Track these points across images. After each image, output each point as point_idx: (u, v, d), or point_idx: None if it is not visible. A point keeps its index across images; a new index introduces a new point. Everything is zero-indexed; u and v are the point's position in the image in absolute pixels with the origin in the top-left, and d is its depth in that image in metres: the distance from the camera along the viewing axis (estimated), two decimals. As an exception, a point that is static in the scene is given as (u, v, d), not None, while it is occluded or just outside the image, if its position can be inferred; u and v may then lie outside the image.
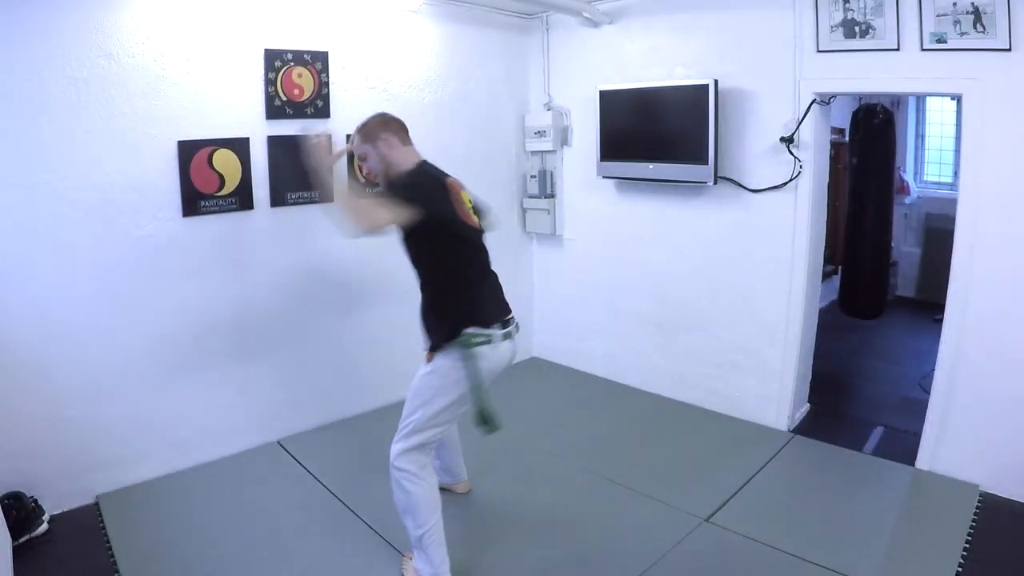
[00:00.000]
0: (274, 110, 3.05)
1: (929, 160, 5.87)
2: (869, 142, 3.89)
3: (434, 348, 2.04)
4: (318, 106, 3.20)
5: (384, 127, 2.15)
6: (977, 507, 2.56)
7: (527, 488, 2.80)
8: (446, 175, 2.10)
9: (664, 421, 3.50)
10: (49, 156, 2.49)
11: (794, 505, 2.67)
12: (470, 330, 1.96)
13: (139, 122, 2.69)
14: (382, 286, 3.56)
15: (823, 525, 2.49)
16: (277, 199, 3.13)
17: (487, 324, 1.99)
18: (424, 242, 2.01)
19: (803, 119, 3.04)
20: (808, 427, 3.35)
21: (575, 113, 4.00)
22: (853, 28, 2.81)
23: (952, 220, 2.73)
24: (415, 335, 3.73)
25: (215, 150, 2.89)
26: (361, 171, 2.44)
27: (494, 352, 2.00)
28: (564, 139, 4.09)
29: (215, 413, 3.05)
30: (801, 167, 3.08)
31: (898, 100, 5.30)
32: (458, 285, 2.04)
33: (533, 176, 4.17)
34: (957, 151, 3.44)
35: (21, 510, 2.40)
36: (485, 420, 1.99)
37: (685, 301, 3.64)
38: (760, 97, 3.18)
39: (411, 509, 2.05)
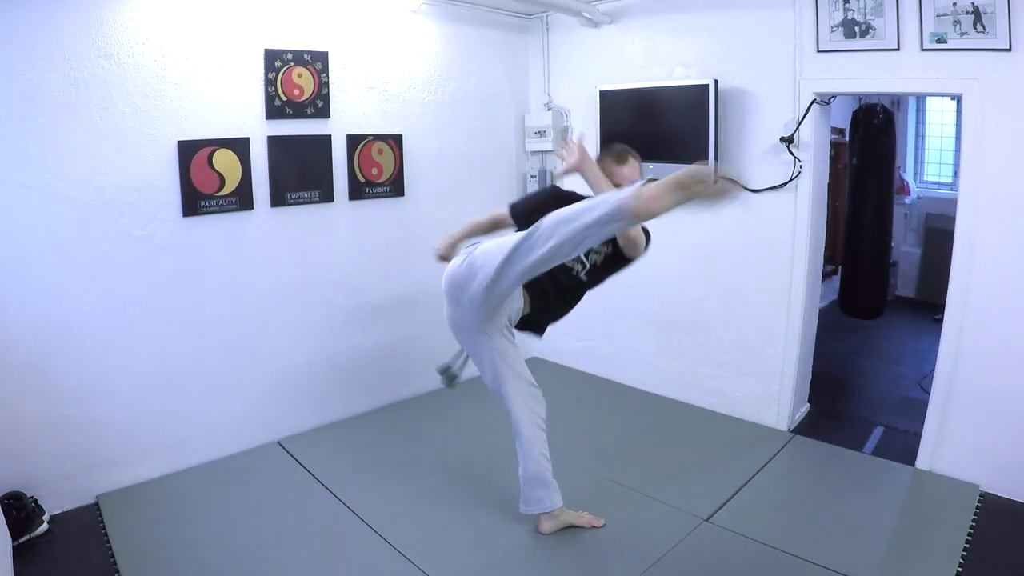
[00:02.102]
0: (274, 110, 3.05)
1: (929, 160, 5.88)
2: (869, 142, 3.89)
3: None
4: (318, 106, 3.20)
5: None
6: (977, 507, 2.56)
7: (527, 488, 2.80)
8: None
9: (664, 421, 3.50)
10: (49, 156, 2.49)
11: (794, 505, 2.67)
12: None
13: (139, 122, 2.69)
14: (382, 288, 3.57)
15: (823, 525, 2.49)
16: (277, 199, 3.13)
17: None
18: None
19: (803, 119, 3.04)
20: (808, 427, 3.35)
21: (575, 113, 4.00)
22: (853, 28, 2.81)
23: (952, 220, 2.73)
24: (414, 336, 3.73)
25: (215, 150, 2.89)
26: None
27: None
28: (564, 139, 4.08)
29: (215, 413, 3.04)
30: (801, 167, 3.08)
31: (898, 100, 5.30)
32: None
33: (533, 176, 4.17)
34: (957, 151, 3.45)
35: (21, 510, 2.40)
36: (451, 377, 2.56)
37: (685, 301, 3.64)
38: (760, 97, 3.18)
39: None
